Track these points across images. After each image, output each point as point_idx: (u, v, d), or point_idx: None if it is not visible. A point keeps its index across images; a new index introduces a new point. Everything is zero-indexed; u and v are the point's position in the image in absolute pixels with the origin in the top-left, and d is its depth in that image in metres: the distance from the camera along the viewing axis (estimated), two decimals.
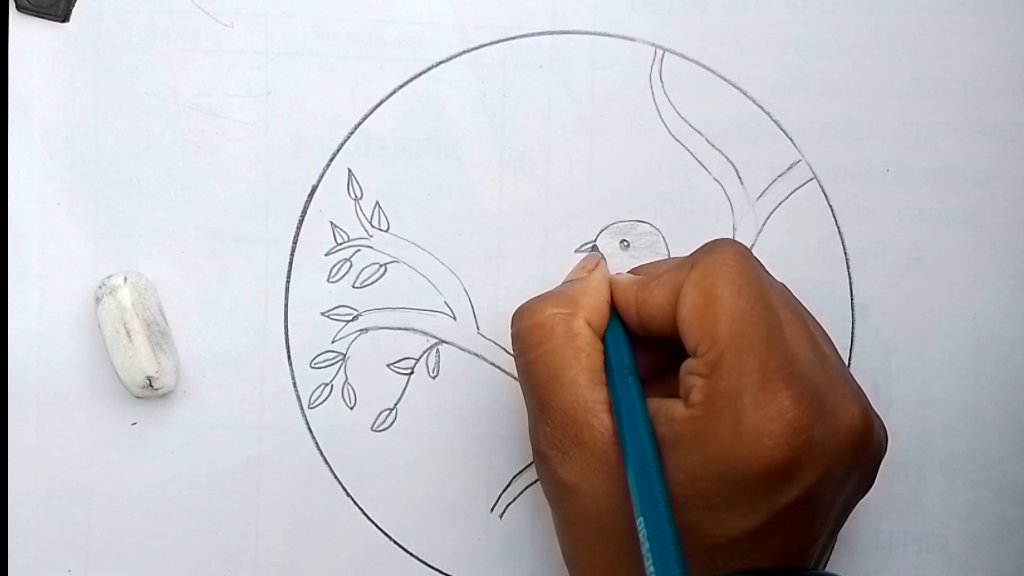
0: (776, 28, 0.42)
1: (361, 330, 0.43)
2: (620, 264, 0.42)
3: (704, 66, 0.42)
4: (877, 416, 0.37)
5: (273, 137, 0.42)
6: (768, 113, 0.43)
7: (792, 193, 0.43)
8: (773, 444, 0.33)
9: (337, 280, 0.43)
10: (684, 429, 0.34)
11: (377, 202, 0.43)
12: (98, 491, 0.43)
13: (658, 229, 0.43)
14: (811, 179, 0.43)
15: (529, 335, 0.37)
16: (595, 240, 0.43)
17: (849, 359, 0.43)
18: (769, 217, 0.43)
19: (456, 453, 0.43)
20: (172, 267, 0.42)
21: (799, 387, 0.34)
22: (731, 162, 0.43)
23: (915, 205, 0.43)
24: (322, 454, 0.43)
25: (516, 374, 0.39)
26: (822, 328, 0.38)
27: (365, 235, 0.43)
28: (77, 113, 0.42)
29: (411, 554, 0.43)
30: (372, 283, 0.43)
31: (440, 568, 0.43)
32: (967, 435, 0.43)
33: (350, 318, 0.43)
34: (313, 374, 0.43)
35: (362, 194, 0.42)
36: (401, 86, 0.42)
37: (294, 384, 0.43)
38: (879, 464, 0.37)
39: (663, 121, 0.42)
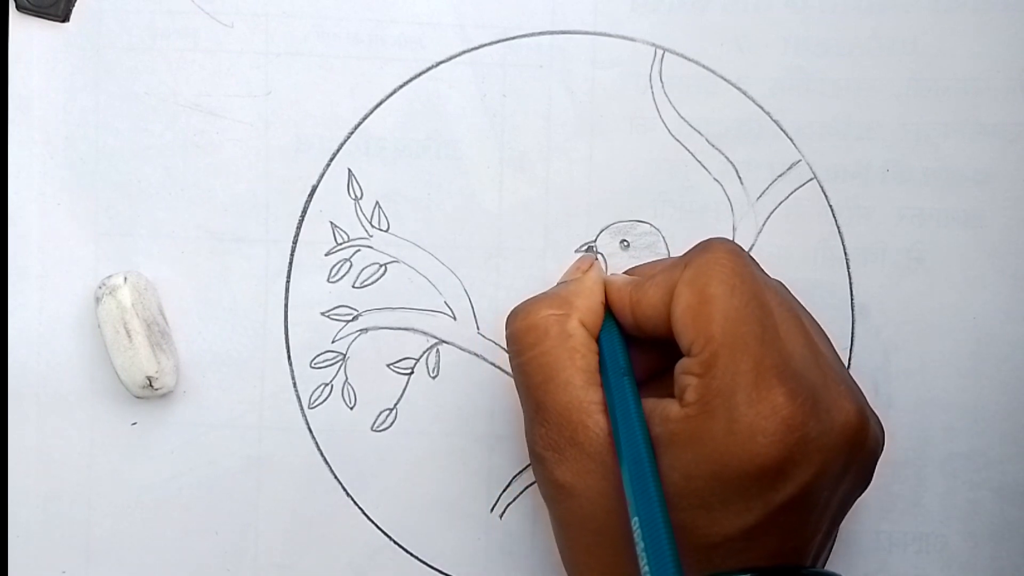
0: (776, 28, 0.42)
1: (361, 330, 0.43)
2: (620, 264, 0.42)
3: (704, 66, 0.42)
4: (873, 413, 0.37)
5: (273, 137, 0.42)
6: (768, 113, 0.43)
7: (792, 193, 0.43)
8: (767, 442, 0.33)
9: (337, 280, 0.43)
10: (679, 428, 0.34)
11: (377, 202, 0.43)
12: (98, 491, 0.43)
13: (658, 229, 0.43)
14: (811, 179, 0.43)
15: (524, 337, 0.37)
16: (595, 240, 0.43)
17: (849, 359, 0.43)
18: (769, 217, 0.43)
19: (456, 453, 0.43)
20: (172, 267, 0.42)
21: (793, 385, 0.34)
22: (731, 162, 0.42)
23: (915, 205, 0.43)
24: (322, 454, 0.43)
25: None
26: (818, 325, 0.38)
27: (365, 235, 0.43)
28: (77, 113, 0.42)
29: (411, 554, 0.43)
30: (372, 283, 0.43)
31: (440, 568, 0.43)
32: (967, 435, 0.43)
33: (350, 318, 0.43)
34: (313, 374, 0.43)
35: (362, 194, 0.43)
36: (401, 86, 0.42)
37: (294, 384, 0.43)
38: (876, 461, 0.37)
39: (663, 121, 0.42)
